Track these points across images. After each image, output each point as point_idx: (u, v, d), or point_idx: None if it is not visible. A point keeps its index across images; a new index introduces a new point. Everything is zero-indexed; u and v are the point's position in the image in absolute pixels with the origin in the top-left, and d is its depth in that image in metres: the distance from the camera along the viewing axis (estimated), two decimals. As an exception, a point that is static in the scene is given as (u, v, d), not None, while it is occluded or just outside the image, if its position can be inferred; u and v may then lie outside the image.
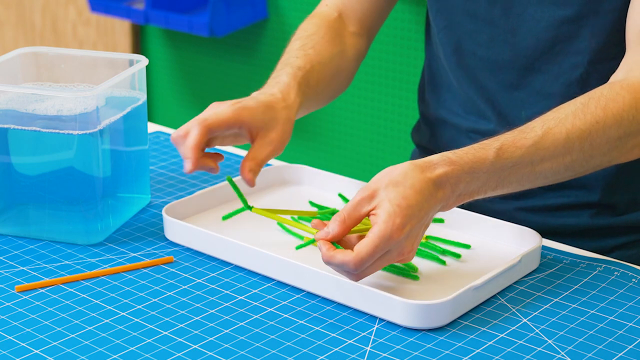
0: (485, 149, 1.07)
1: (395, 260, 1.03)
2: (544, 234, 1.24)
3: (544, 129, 1.09)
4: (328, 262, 1.02)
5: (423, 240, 1.16)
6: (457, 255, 1.14)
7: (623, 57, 1.20)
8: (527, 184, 1.10)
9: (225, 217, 1.22)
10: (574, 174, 1.12)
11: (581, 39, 1.22)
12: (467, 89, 1.32)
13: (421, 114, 1.44)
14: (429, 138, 1.41)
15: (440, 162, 1.05)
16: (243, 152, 1.45)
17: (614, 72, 1.21)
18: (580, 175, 1.13)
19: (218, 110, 1.14)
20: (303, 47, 1.30)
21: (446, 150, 1.36)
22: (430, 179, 1.03)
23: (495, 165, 1.07)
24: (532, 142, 1.08)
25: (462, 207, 1.25)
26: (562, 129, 1.09)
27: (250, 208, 1.16)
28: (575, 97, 1.23)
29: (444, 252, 1.15)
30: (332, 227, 1.03)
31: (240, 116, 1.15)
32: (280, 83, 1.22)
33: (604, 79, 1.22)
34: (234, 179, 1.21)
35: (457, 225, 1.21)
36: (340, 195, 1.29)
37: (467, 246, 1.17)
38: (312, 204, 1.28)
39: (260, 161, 1.16)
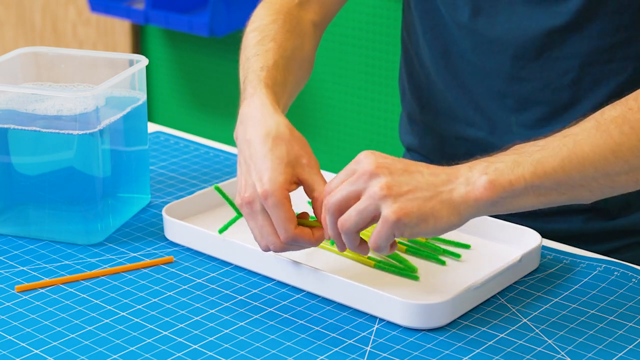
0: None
1: (369, 193, 0.96)
2: None
3: (565, 127, 1.01)
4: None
5: (422, 240, 1.16)
6: (457, 255, 1.14)
7: (617, 60, 1.20)
8: (576, 174, 0.97)
9: (221, 230, 1.15)
10: (629, 166, 0.99)
11: (571, 44, 1.19)
12: (455, 94, 1.30)
13: (406, 113, 1.43)
14: (417, 144, 1.40)
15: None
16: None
17: (608, 75, 1.20)
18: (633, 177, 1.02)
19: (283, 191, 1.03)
20: (262, 40, 1.20)
21: (435, 157, 1.35)
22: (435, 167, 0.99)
23: (517, 150, 0.98)
24: (553, 135, 1.00)
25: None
26: (590, 121, 0.99)
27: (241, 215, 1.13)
28: (567, 102, 1.22)
29: (444, 252, 1.15)
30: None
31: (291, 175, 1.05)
32: (254, 100, 1.10)
33: (596, 82, 1.21)
34: (220, 185, 1.20)
35: (457, 225, 1.21)
36: None
37: (467, 246, 1.16)
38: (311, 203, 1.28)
39: (323, 188, 1.04)
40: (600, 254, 1.26)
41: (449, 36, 1.27)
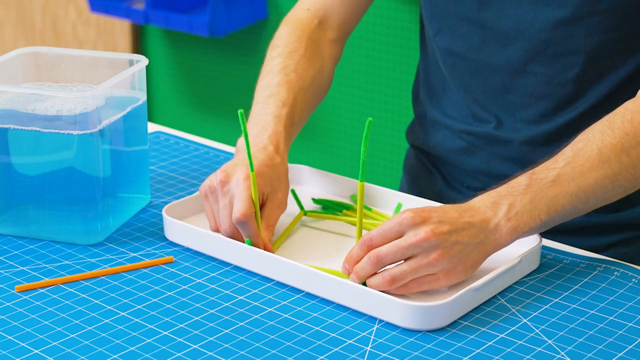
0: (516, 178, 1.10)
1: (422, 258, 1.03)
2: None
3: (574, 150, 1.11)
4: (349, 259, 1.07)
5: None
6: None
7: (620, 54, 1.21)
8: (580, 205, 1.10)
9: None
10: (624, 189, 1.12)
11: (576, 39, 1.21)
12: (462, 93, 1.32)
13: (416, 114, 1.44)
14: (422, 138, 1.41)
15: (476, 199, 1.09)
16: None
17: (610, 70, 1.22)
18: (633, 190, 1.13)
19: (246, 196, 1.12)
20: (285, 69, 1.29)
21: (439, 150, 1.37)
22: (460, 206, 1.07)
23: (532, 187, 1.08)
24: (564, 162, 1.10)
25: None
26: (592, 146, 1.10)
27: (305, 213, 1.24)
28: (570, 96, 1.24)
29: None
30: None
31: (260, 187, 1.15)
32: (268, 130, 1.21)
33: (599, 77, 1.22)
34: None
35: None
36: (352, 197, 1.29)
37: None
38: (314, 200, 1.28)
39: (274, 226, 1.16)
40: (601, 248, 1.27)
41: (455, 37, 1.29)
